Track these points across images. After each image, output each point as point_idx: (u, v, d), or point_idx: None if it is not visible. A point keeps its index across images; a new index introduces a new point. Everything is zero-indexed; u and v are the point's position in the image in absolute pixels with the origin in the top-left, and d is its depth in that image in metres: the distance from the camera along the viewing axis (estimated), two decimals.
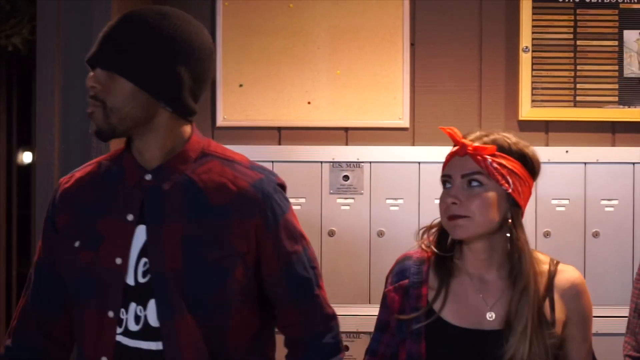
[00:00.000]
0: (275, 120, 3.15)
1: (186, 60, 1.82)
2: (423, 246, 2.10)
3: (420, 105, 3.16)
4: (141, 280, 1.81)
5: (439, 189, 2.98)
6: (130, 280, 1.81)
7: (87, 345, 1.83)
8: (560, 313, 2.00)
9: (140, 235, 1.82)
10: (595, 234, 3.03)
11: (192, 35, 1.85)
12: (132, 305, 1.81)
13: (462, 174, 1.99)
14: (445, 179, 2.03)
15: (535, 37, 3.14)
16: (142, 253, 1.81)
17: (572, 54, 3.15)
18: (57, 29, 2.90)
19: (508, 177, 1.99)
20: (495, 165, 1.98)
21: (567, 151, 3.06)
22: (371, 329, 2.17)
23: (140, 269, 1.81)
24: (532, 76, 3.14)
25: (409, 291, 2.05)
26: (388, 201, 3.05)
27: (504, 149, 2.01)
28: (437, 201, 2.92)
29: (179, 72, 1.81)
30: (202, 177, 1.87)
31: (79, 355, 1.87)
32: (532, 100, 3.13)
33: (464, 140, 2.00)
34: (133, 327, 1.80)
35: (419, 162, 3.07)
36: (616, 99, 3.15)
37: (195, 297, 1.80)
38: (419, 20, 3.16)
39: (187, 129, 1.91)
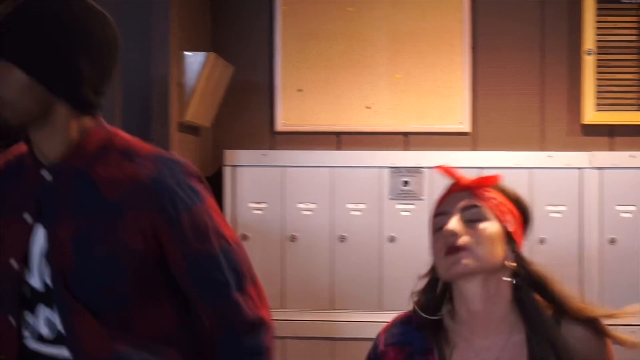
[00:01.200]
0: (334, 125, 3.13)
1: (87, 51, 1.67)
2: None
3: (481, 110, 3.12)
4: (47, 281, 1.69)
5: None
6: (36, 284, 1.70)
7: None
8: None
9: (40, 235, 1.70)
10: None
11: (95, 25, 1.70)
12: (42, 310, 1.70)
13: (461, 207, 1.77)
14: (440, 218, 1.79)
15: (599, 40, 3.07)
16: (44, 255, 1.71)
17: (637, 56, 3.08)
18: None
19: (507, 216, 1.79)
20: (494, 201, 1.79)
21: (632, 156, 2.99)
22: None
23: (46, 271, 1.70)
24: (596, 79, 3.07)
25: (414, 358, 1.83)
26: None
27: (502, 190, 1.80)
28: None
29: (78, 65, 1.66)
30: (99, 172, 1.73)
31: None
32: (597, 104, 3.07)
33: (460, 176, 1.81)
34: (46, 332, 1.71)
35: (480, 168, 3.01)
36: None
37: (88, 296, 1.69)
38: (480, 24, 3.12)
39: (89, 122, 1.74)
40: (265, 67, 3.14)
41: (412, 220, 3.01)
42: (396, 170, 3.04)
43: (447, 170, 1.82)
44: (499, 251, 1.75)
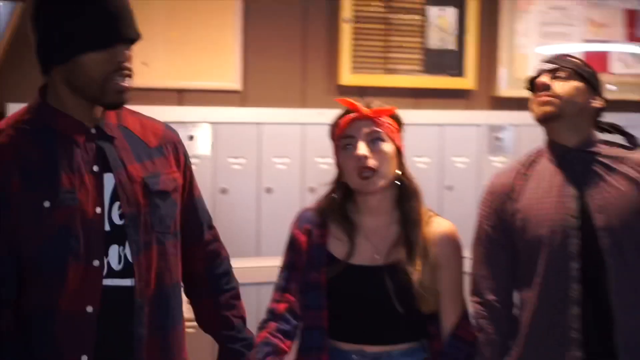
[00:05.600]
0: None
1: None
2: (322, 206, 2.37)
3: (251, 70, 3.33)
4: (118, 222, 1.92)
5: (278, 148, 3.22)
6: (107, 227, 1.91)
7: (63, 300, 1.85)
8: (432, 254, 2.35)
9: (108, 182, 1.93)
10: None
11: None
12: (114, 248, 1.92)
13: (365, 133, 2.25)
14: (347, 140, 2.27)
15: (355, 9, 3.41)
16: (113, 198, 1.92)
17: (385, 26, 3.47)
18: None
19: (396, 134, 2.30)
20: (388, 125, 2.28)
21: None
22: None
23: (116, 212, 1.93)
24: (352, 45, 3.42)
25: (312, 232, 2.34)
26: (230, 160, 3.20)
27: (388, 112, 2.31)
28: (276, 159, 3.22)
29: None
30: (131, 125, 2.05)
31: (42, 313, 1.86)
32: (352, 68, 3.42)
33: (364, 109, 2.26)
34: (116, 266, 1.91)
35: (253, 123, 3.24)
36: (420, 67, 3.53)
37: (160, 230, 1.99)
38: None
39: None
40: None
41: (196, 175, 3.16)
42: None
43: (346, 102, 2.30)
44: (394, 165, 2.29)
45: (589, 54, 3.76)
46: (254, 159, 3.23)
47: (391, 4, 3.48)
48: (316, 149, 3.26)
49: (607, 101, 2.47)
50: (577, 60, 2.43)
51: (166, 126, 2.14)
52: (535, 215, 2.38)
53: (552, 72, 2.40)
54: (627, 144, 2.48)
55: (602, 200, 2.35)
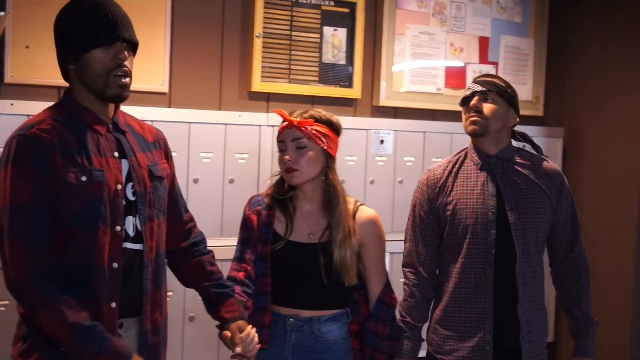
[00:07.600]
0: (58, 80, 3.47)
1: None
2: (270, 192, 2.95)
3: (176, 75, 3.80)
4: (132, 198, 2.42)
5: (203, 145, 3.71)
6: (124, 201, 2.39)
7: (97, 257, 2.30)
8: (357, 236, 2.92)
9: (123, 166, 2.41)
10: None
11: None
12: (129, 218, 2.41)
13: (292, 139, 2.84)
14: (281, 145, 2.87)
15: (265, 27, 3.95)
16: (127, 179, 2.41)
17: (288, 42, 4.05)
18: None
19: (322, 138, 2.87)
20: (314, 131, 2.85)
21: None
22: None
23: (129, 190, 2.42)
24: (262, 57, 3.96)
25: (261, 213, 2.90)
26: None
27: (318, 119, 2.89)
28: (202, 154, 3.73)
29: None
30: (132, 124, 2.54)
31: (80, 268, 2.29)
32: (261, 76, 3.96)
33: (291, 118, 2.85)
34: (131, 233, 2.40)
35: (177, 122, 3.67)
36: (317, 78, 4.13)
37: (158, 207, 2.49)
38: (178, 5, 3.78)
39: None
40: None
41: None
42: None
43: (281, 114, 2.85)
44: (318, 165, 2.85)
45: (449, 71, 4.50)
46: (184, 153, 3.71)
47: (294, 23, 4.05)
48: (235, 146, 3.79)
49: (520, 116, 3.03)
50: (502, 84, 2.96)
51: (157, 129, 2.66)
52: (463, 208, 2.93)
53: (482, 94, 2.95)
54: (534, 152, 3.09)
55: (515, 200, 2.93)
